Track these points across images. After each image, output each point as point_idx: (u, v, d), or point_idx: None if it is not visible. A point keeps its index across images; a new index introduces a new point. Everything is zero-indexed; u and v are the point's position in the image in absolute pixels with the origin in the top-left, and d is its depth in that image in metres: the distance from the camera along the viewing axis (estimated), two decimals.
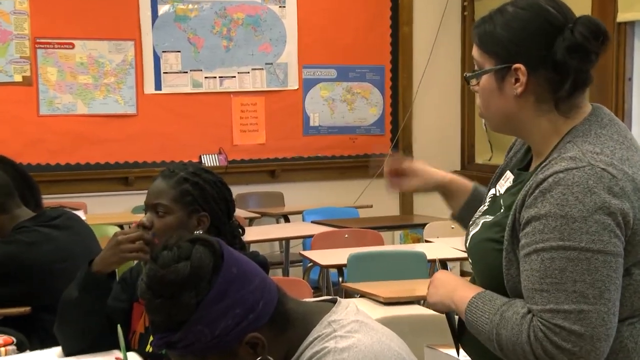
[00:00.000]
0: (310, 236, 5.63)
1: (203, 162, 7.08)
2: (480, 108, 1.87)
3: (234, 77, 7.24)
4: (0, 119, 6.60)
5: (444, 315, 1.97)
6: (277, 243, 7.08)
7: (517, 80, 1.78)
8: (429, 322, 3.13)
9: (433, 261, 4.72)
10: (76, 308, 2.59)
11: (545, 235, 1.67)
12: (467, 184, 2.17)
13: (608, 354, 1.68)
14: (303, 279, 5.13)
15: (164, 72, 7.04)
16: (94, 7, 6.81)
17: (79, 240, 3.46)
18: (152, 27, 7.00)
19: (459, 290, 1.85)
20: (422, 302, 3.93)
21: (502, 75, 1.79)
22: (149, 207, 2.57)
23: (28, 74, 6.68)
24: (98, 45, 6.86)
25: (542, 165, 1.75)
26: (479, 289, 1.82)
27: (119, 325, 2.25)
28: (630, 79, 6.18)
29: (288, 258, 6.31)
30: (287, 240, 6.30)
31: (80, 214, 4.12)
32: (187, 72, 7.11)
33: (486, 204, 1.95)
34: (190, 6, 7.11)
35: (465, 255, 2.02)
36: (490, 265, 1.81)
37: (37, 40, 6.71)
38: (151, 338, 2.32)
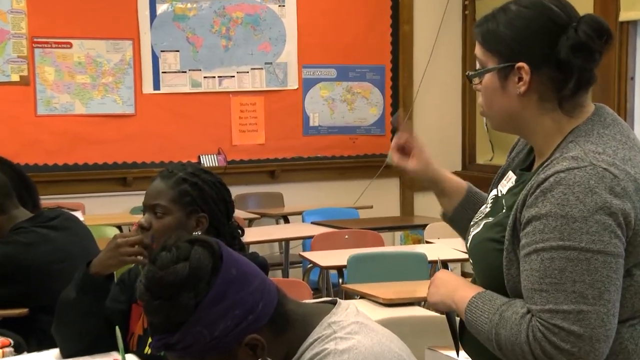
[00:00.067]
0: (310, 237, 5.64)
1: (202, 162, 7.08)
2: (483, 107, 1.87)
3: (233, 76, 7.24)
4: None
5: (445, 315, 1.97)
6: (276, 244, 7.07)
7: (520, 79, 1.77)
8: (429, 323, 3.14)
9: (434, 262, 4.71)
10: (74, 309, 2.60)
11: (545, 235, 1.67)
12: (462, 184, 2.16)
13: (608, 355, 1.68)
14: (303, 280, 5.14)
15: (162, 72, 7.04)
16: (91, 6, 6.79)
17: (77, 241, 3.46)
18: (151, 26, 6.98)
19: (460, 290, 1.85)
20: (422, 303, 3.94)
21: (505, 74, 1.79)
22: (147, 207, 2.57)
23: (25, 73, 6.66)
24: (96, 44, 6.85)
25: (544, 164, 1.75)
26: (480, 289, 1.82)
27: (117, 327, 2.27)
28: (633, 78, 6.22)
29: (288, 259, 6.32)
30: (287, 241, 6.32)
31: (78, 214, 4.10)
32: (185, 72, 7.10)
33: (488, 205, 1.94)
34: (189, 5, 7.10)
35: (466, 256, 2.02)
36: (491, 266, 1.81)
37: (35, 40, 6.69)
38: (150, 340, 2.36)
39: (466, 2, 7.78)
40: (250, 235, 5.19)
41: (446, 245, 5.14)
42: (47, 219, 3.44)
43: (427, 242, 5.65)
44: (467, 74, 1.89)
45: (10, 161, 3.63)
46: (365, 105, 7.69)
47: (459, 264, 6.45)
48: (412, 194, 7.77)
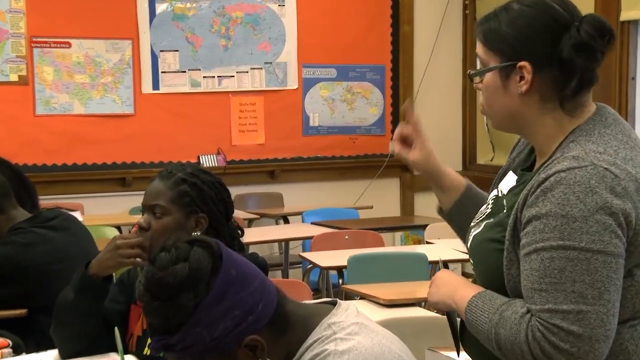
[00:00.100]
0: (310, 237, 5.62)
1: (201, 162, 7.09)
2: (484, 106, 1.87)
3: (233, 76, 7.23)
4: None
5: (445, 315, 1.97)
6: (276, 244, 7.06)
7: (522, 78, 1.77)
8: (430, 324, 3.15)
9: (434, 263, 4.70)
10: (72, 310, 2.59)
11: (545, 235, 1.66)
12: (461, 180, 2.15)
13: (608, 356, 1.68)
14: (303, 280, 5.14)
15: (161, 72, 7.04)
16: (90, 6, 6.79)
17: (76, 241, 3.45)
18: (150, 26, 6.98)
19: (460, 290, 1.85)
20: (423, 304, 3.94)
21: (506, 73, 1.79)
22: (146, 208, 2.56)
23: (24, 73, 6.66)
24: (95, 44, 6.85)
25: (545, 164, 1.75)
26: (480, 289, 1.82)
27: (116, 328, 2.29)
28: (634, 79, 6.24)
29: (287, 260, 6.32)
30: (287, 241, 6.32)
31: (77, 215, 4.09)
32: (185, 72, 7.10)
33: (489, 205, 1.94)
34: (189, 5, 7.10)
35: (466, 257, 2.04)
36: (491, 266, 1.80)
37: (34, 39, 6.69)
38: (149, 341, 2.37)
39: (467, 2, 7.78)
40: (250, 235, 5.17)
41: (447, 246, 5.12)
42: (46, 219, 3.43)
43: (428, 243, 5.65)
44: (468, 72, 1.89)
45: (9, 161, 3.62)
46: (365, 105, 7.69)
47: (459, 265, 6.45)
48: (413, 194, 7.79)
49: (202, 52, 7.13)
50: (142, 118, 6.97)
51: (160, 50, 7.01)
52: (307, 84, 7.49)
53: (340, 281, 4.84)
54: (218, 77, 7.18)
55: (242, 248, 2.67)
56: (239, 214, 5.99)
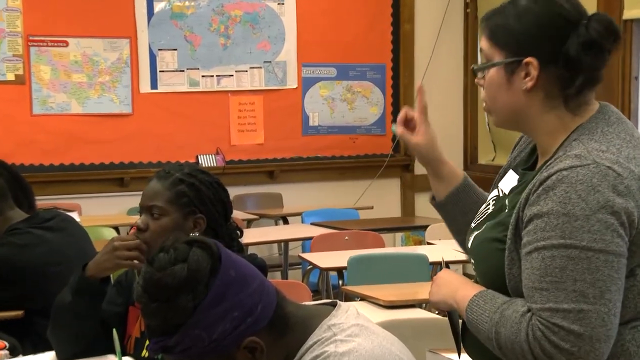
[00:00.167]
0: (310, 238, 5.62)
1: (200, 162, 7.10)
2: (486, 102, 1.86)
3: (232, 75, 7.24)
4: None
5: (447, 315, 1.97)
6: (275, 245, 7.07)
7: (527, 74, 1.77)
8: (430, 326, 3.15)
9: (435, 264, 4.70)
10: (69, 312, 2.58)
11: (546, 233, 1.67)
12: (459, 172, 2.14)
13: (609, 357, 1.67)
14: (302, 282, 5.15)
15: (160, 71, 7.04)
16: (88, 4, 6.79)
17: (73, 242, 3.45)
18: (148, 24, 6.98)
19: (461, 289, 1.85)
20: (424, 305, 3.97)
21: (512, 69, 1.79)
22: (144, 209, 2.56)
23: (21, 72, 6.66)
24: (92, 43, 6.84)
25: (548, 163, 1.75)
26: (481, 288, 1.82)
27: (114, 330, 2.32)
28: (637, 78, 6.31)
29: (287, 260, 6.32)
30: (286, 242, 6.31)
31: (74, 215, 4.14)
32: (183, 71, 7.10)
33: (490, 205, 1.93)
34: (187, 3, 7.10)
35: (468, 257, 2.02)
36: (493, 266, 1.80)
37: (30, 38, 6.69)
38: (147, 342, 2.33)
39: (468, 1, 7.79)
40: (249, 236, 5.17)
41: (448, 247, 5.09)
42: (43, 220, 3.43)
43: (429, 244, 5.65)
44: (472, 67, 1.89)
45: (5, 161, 3.61)
46: (365, 104, 7.69)
47: (460, 266, 6.42)
48: (413, 194, 7.81)
49: (201, 51, 7.13)
50: (140, 118, 6.97)
51: (159, 49, 7.01)
52: (306, 83, 7.49)
53: (340, 282, 4.84)
54: (217, 76, 7.19)
55: (241, 249, 2.66)
56: (237, 214, 6.03)
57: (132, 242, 2.53)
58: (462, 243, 2.09)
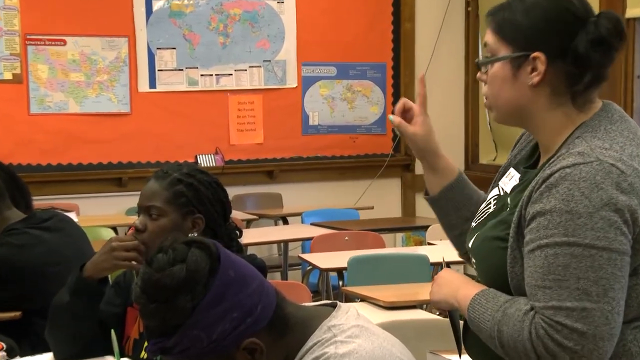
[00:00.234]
0: (310, 238, 5.62)
1: (199, 162, 7.11)
2: (488, 97, 1.85)
3: (231, 74, 7.23)
4: None
5: (448, 316, 1.96)
6: (275, 246, 7.05)
7: (533, 69, 1.77)
8: (431, 327, 3.15)
9: (436, 264, 4.69)
10: (67, 313, 2.58)
11: (549, 231, 1.66)
12: (454, 167, 2.13)
13: (611, 356, 1.67)
14: (302, 282, 5.16)
15: (158, 70, 7.04)
16: (86, 3, 6.79)
17: (71, 242, 3.44)
18: (147, 23, 6.99)
19: (463, 288, 1.84)
20: (424, 306, 3.98)
21: (518, 64, 1.78)
22: (142, 209, 2.55)
23: (18, 71, 6.66)
24: (90, 41, 6.84)
25: (550, 160, 1.74)
26: (483, 287, 1.82)
27: (112, 331, 2.32)
28: (639, 77, 6.16)
29: (287, 261, 6.31)
30: (286, 242, 6.30)
31: (72, 215, 4.12)
32: (182, 70, 7.11)
33: (492, 204, 1.93)
34: (186, 2, 7.10)
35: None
36: (495, 264, 1.79)
37: (28, 37, 6.69)
38: (146, 343, 2.32)
39: None
40: (248, 236, 5.17)
41: (448, 247, 5.06)
42: (41, 220, 3.42)
43: (429, 244, 5.65)
44: (476, 61, 1.88)
45: (1, 161, 3.60)
46: (365, 103, 7.68)
47: (461, 266, 6.41)
48: (414, 194, 7.82)
49: (200, 49, 7.13)
50: (139, 117, 6.97)
51: (157, 48, 7.01)
52: (306, 83, 7.48)
53: (340, 283, 4.84)
54: (216, 75, 7.19)
55: (240, 249, 2.66)
56: (237, 214, 6.09)
57: (130, 243, 2.53)
58: (454, 239, 2.10)
